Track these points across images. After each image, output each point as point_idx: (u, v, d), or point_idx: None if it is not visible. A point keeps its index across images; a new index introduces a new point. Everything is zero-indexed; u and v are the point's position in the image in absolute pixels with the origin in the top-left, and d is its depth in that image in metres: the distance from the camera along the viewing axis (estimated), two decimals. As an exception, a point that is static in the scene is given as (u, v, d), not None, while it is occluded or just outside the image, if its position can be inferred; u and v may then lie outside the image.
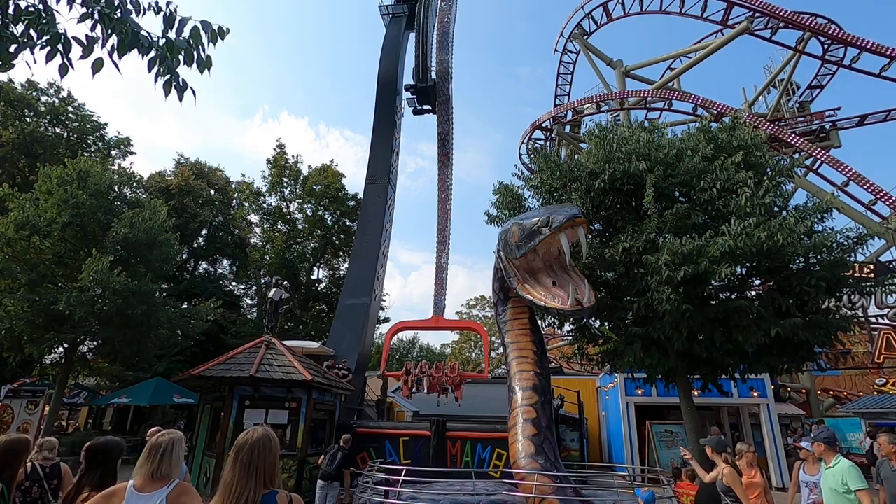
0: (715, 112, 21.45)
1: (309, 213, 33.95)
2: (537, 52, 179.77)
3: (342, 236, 33.58)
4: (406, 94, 23.79)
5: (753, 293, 9.70)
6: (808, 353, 8.98)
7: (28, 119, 23.69)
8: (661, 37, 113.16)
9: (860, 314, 17.32)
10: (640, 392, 16.11)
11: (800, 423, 18.43)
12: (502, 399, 8.47)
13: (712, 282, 8.75)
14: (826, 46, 23.78)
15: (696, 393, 10.47)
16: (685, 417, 10.03)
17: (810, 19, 23.56)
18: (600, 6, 29.57)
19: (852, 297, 9.53)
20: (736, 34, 25.14)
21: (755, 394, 15.71)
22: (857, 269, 13.15)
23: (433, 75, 23.05)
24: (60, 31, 2.28)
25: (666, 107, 25.37)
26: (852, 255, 8.83)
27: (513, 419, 6.58)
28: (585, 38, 31.07)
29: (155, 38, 2.45)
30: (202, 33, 2.52)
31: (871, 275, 16.31)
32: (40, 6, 2.27)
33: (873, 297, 17.44)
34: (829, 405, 22.05)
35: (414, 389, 15.57)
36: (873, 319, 19.37)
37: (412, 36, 24.73)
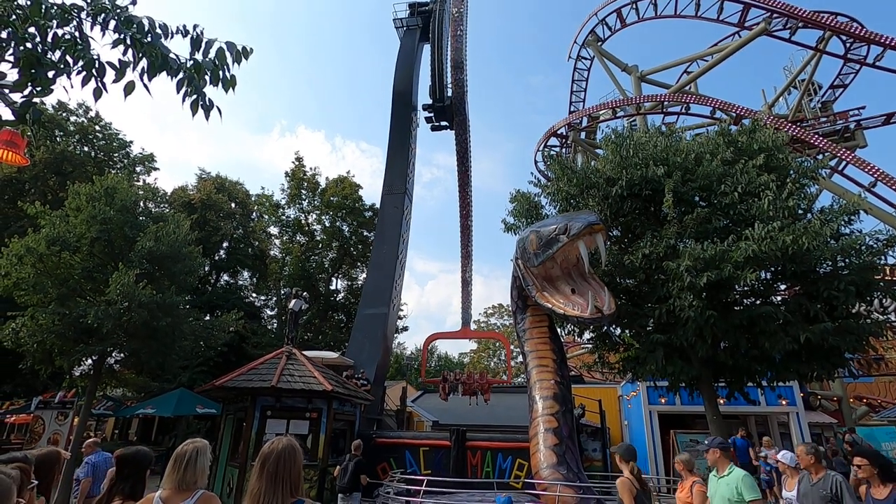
0: (734, 115, 21.13)
1: (327, 224, 34.39)
2: (549, 61, 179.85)
3: (360, 247, 33.88)
4: (424, 113, 24.19)
5: (779, 298, 9.48)
6: (838, 359, 8.72)
7: (58, 139, 24.58)
8: (676, 41, 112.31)
9: (892, 319, 16.75)
10: (663, 401, 15.80)
11: (832, 432, 17.82)
12: (523, 408, 8.40)
13: (736, 287, 8.58)
14: (848, 45, 23.30)
15: (721, 401, 10.23)
16: (711, 426, 9.80)
17: (830, 18, 23.12)
18: (614, 12, 29.51)
19: (884, 301, 9.22)
20: (753, 36, 24.81)
21: (784, 402, 15.27)
22: (888, 272, 12.74)
23: (449, 92, 23.33)
24: (95, 57, 2.40)
25: (683, 111, 25.10)
26: (882, 257, 8.58)
27: (534, 429, 6.53)
28: (599, 44, 31.00)
29: (183, 61, 2.56)
30: (227, 54, 2.62)
31: (903, 278, 15.79)
32: (76, 34, 2.39)
33: (906, 300, 16.85)
34: (863, 413, 21.26)
35: (451, 394, 17.92)
36: (907, 324, 18.70)
37: (426, 48, 25.09)
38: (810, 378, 9.47)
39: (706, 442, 5.15)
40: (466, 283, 22.57)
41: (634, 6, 28.66)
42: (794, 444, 14.81)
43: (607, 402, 17.45)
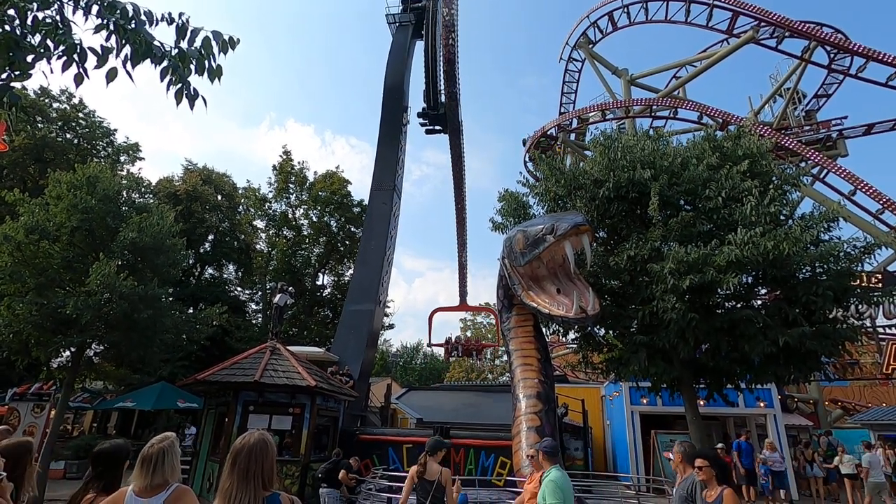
0: (720, 120, 21.45)
1: (314, 219, 34.12)
2: (541, 63, 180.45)
3: (347, 242, 33.69)
4: (419, 118, 24.89)
5: (759, 302, 9.65)
6: (815, 362, 8.91)
7: (39, 125, 24.01)
8: (666, 45, 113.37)
9: (868, 324, 17.16)
10: (645, 401, 16.00)
11: (808, 434, 18.23)
12: (506, 406, 8.43)
13: (718, 291, 8.72)
14: (832, 55, 23.76)
15: (701, 403, 10.39)
16: (690, 427, 9.95)
17: (816, 29, 23.56)
18: (606, 15, 29.70)
19: (860, 306, 9.43)
20: (741, 43, 25.17)
21: (762, 404, 15.56)
22: (864, 278, 13.03)
23: (442, 98, 23.80)
24: (76, 42, 2.34)
25: (671, 115, 25.41)
26: (860, 264, 8.77)
27: (517, 427, 6.57)
28: (591, 46, 31.18)
29: (168, 49, 2.51)
30: (213, 43, 2.57)
31: (879, 285, 16.19)
32: (57, 18, 2.33)
33: (881, 307, 17.28)
34: (838, 416, 21.78)
35: (453, 355, 23.14)
36: (881, 330, 19.19)
37: (419, 45, 25.11)
38: (788, 381, 9.67)
39: (538, 447, 4.97)
40: (462, 267, 26.41)
41: (626, 10, 28.88)
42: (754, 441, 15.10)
43: (590, 402, 17.62)
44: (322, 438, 11.93)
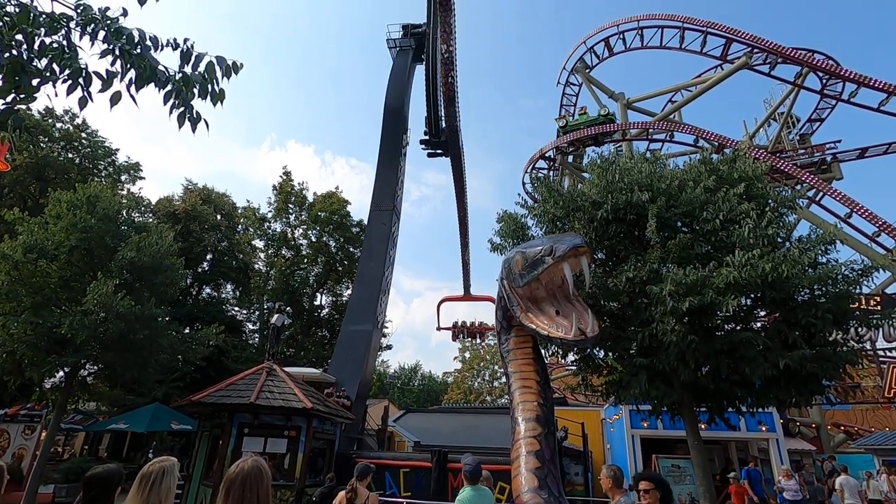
0: (716, 144, 21.71)
1: (313, 238, 34.17)
2: (539, 85, 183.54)
3: (345, 262, 33.67)
4: (419, 139, 26.38)
5: (759, 325, 9.62)
6: (816, 385, 8.82)
7: (42, 144, 24.20)
8: (662, 69, 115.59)
9: (868, 347, 17.08)
10: (645, 424, 15.79)
11: (811, 459, 17.96)
12: (505, 429, 8.30)
13: (718, 313, 8.69)
14: (824, 81, 24.20)
15: (702, 426, 10.26)
16: (692, 452, 9.81)
17: (808, 55, 24.06)
18: (602, 41, 30.33)
19: (859, 329, 9.40)
20: (735, 69, 25.66)
21: (763, 428, 15.37)
22: (863, 301, 13.03)
23: (443, 124, 24.72)
24: (82, 66, 2.38)
25: (668, 138, 25.74)
26: (858, 287, 8.78)
27: (515, 451, 6.46)
28: (588, 71, 31.76)
29: (172, 73, 2.56)
30: (217, 68, 2.62)
31: (878, 307, 16.16)
32: (64, 42, 2.38)
33: (881, 330, 17.23)
34: (841, 441, 21.48)
35: (459, 337, 28.14)
36: (881, 353, 19.09)
37: (419, 69, 25.66)
38: (789, 404, 9.57)
39: (465, 460, 4.89)
40: (466, 265, 30.23)
41: (622, 36, 29.50)
42: (773, 471, 14.86)
43: (590, 426, 17.38)
44: (318, 462, 11.72)
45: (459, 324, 28.96)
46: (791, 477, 12.94)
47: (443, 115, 25.00)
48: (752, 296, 8.95)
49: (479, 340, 28.55)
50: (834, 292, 8.45)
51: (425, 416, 24.60)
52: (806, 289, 8.54)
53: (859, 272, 8.52)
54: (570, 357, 11.47)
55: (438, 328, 29.38)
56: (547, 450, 6.42)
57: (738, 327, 9.15)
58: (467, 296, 29.78)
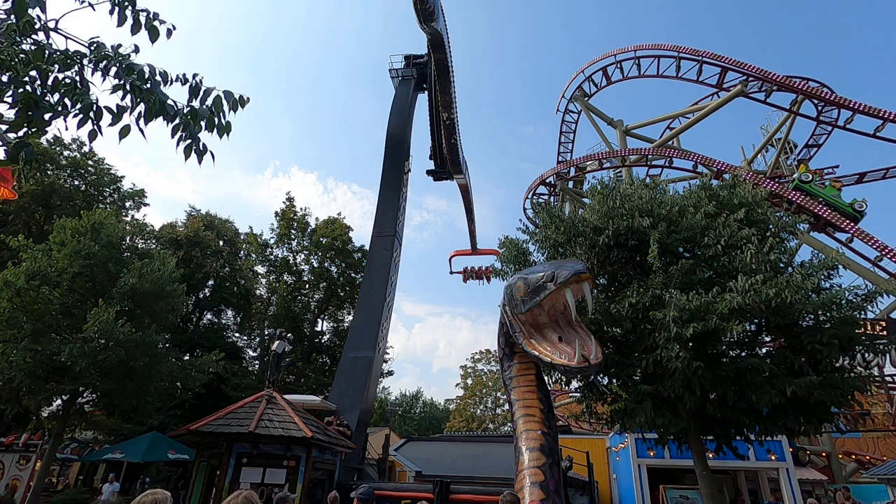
0: (715, 169, 21.88)
1: (315, 264, 34.23)
2: (539, 112, 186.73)
3: (347, 288, 33.63)
4: (424, 163, 28.57)
5: (764, 351, 9.51)
6: (824, 413, 8.67)
7: (49, 172, 24.54)
8: (660, 96, 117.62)
9: (876, 373, 16.83)
10: (652, 454, 15.45)
11: (822, 489, 17.47)
12: (509, 458, 8.15)
13: (722, 339, 8.61)
14: (820, 108, 24.56)
15: (710, 455, 10.04)
16: (700, 482, 9.57)
17: (802, 83, 24.48)
18: (600, 70, 30.94)
19: (866, 355, 9.28)
20: (731, 97, 26.09)
21: (773, 457, 15.02)
22: (868, 326, 12.91)
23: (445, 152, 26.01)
24: (93, 101, 2.45)
25: (667, 164, 25.93)
26: (862, 312, 8.71)
27: (519, 482, 6.32)
28: (586, 99, 32.31)
29: (180, 107, 2.62)
30: (224, 102, 2.69)
31: (884, 332, 16.00)
32: (77, 78, 2.45)
33: (888, 355, 16.99)
34: (853, 470, 20.94)
35: (471, 278, 33.14)
36: (889, 379, 18.79)
37: (421, 97, 26.31)
38: (798, 432, 9.37)
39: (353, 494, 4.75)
40: (474, 244, 34.51)
41: (619, 66, 30.10)
42: (784, 502, 14.45)
43: (595, 454, 17.02)
44: (317, 493, 11.44)
45: (468, 269, 33.12)
46: None
47: (445, 149, 26.39)
48: (757, 321, 8.89)
49: (486, 282, 32.68)
50: (839, 318, 8.38)
51: (427, 444, 24.12)
52: (810, 314, 8.48)
53: (863, 297, 8.47)
54: (574, 384, 11.31)
55: (451, 272, 33.83)
56: (551, 480, 6.28)
57: (744, 353, 9.05)
58: (477, 251, 34.00)
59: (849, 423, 18.36)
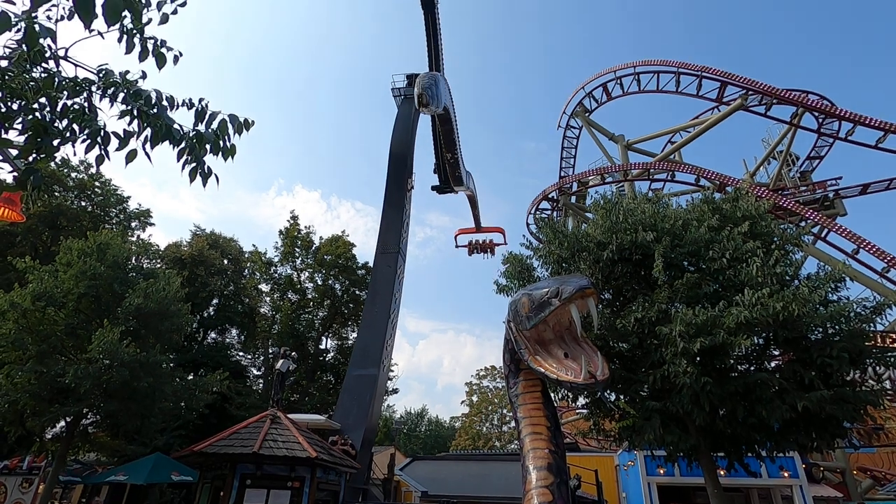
0: (718, 182, 21.92)
1: (319, 282, 34.23)
2: (541, 128, 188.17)
3: (351, 305, 33.56)
4: (429, 175, 29.80)
5: (773, 365, 9.39)
6: (837, 428, 8.52)
7: (56, 193, 24.83)
8: (661, 111, 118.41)
9: (888, 386, 16.55)
10: (661, 471, 15.18)
11: (839, 508, 17.08)
12: (516, 477, 8.02)
13: (730, 353, 8.51)
14: (820, 120, 24.65)
15: (721, 473, 9.85)
16: (712, 500, 9.38)
17: (802, 96, 24.62)
18: (600, 86, 31.26)
19: (877, 368, 9.15)
20: (731, 111, 26.24)
21: (786, 474, 14.73)
22: (878, 339, 12.74)
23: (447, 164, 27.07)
24: (101, 127, 2.49)
25: (669, 178, 25.99)
26: (872, 324, 8.62)
27: (527, 502, 6.21)
28: (587, 114, 32.59)
29: (186, 131, 2.67)
30: (229, 126, 2.74)
31: (895, 345, 15.78)
32: (85, 104, 2.51)
33: (900, 367, 16.72)
34: (868, 487, 20.47)
35: (476, 251, 34.19)
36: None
37: (424, 118, 26.83)
38: (810, 448, 9.21)
39: None
40: (478, 224, 35.94)
41: (619, 81, 30.42)
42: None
43: (604, 473, 16.74)
44: (321, 515, 11.29)
45: (473, 241, 34.48)
46: None
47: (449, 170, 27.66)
48: (765, 335, 8.80)
49: (490, 255, 33.93)
50: (848, 330, 8.29)
51: (433, 463, 23.80)
52: (819, 327, 8.40)
53: (872, 309, 8.39)
54: (581, 400, 11.18)
55: (456, 246, 35.48)
56: (560, 500, 6.17)
57: (753, 368, 8.94)
58: (481, 229, 35.50)
59: (862, 438, 18.02)
